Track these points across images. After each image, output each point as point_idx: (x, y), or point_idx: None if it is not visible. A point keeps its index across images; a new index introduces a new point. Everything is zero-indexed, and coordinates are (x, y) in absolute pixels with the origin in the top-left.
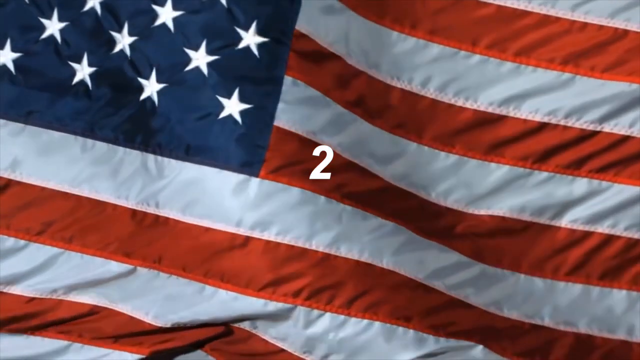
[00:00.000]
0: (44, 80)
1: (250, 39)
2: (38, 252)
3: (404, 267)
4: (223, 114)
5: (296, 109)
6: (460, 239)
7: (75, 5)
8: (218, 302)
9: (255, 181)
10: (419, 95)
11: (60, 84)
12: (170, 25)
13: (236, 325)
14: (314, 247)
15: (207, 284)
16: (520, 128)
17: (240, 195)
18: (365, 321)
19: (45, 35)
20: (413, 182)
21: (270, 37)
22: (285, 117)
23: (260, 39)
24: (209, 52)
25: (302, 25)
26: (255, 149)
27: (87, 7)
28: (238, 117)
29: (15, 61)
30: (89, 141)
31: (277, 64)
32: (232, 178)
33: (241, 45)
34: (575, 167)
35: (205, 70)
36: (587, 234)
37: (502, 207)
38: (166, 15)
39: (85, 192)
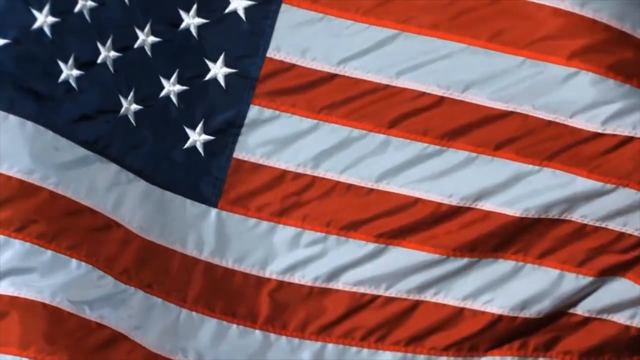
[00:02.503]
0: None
1: (217, 70)
2: None
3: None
4: (188, 145)
5: (260, 137)
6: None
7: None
8: None
9: (214, 212)
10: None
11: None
12: (148, 50)
13: None
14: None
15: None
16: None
17: (199, 223)
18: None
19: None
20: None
21: (238, 68)
22: (245, 148)
23: (228, 70)
24: (180, 81)
25: (275, 52)
26: (215, 181)
27: (76, 9)
28: (200, 149)
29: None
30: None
31: (243, 95)
32: (193, 207)
33: (209, 76)
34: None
35: (174, 99)
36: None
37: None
38: (143, 39)
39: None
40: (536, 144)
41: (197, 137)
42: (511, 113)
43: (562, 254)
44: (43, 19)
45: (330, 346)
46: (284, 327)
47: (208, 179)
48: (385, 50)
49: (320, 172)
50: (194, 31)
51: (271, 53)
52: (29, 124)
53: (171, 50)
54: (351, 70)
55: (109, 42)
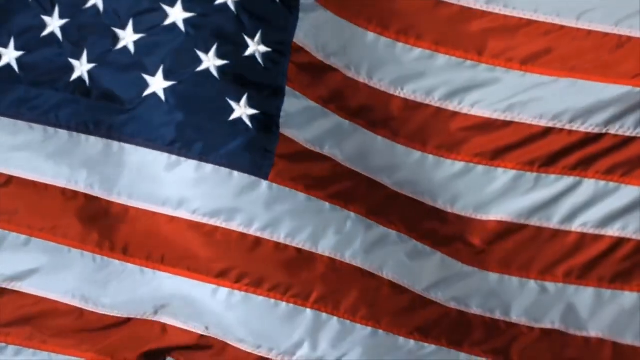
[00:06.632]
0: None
1: (256, 47)
2: None
3: (405, 278)
4: (233, 117)
5: (297, 119)
6: (466, 246)
7: (76, 3)
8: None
9: (265, 184)
10: (422, 105)
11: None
12: (181, 25)
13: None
14: (319, 252)
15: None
16: (525, 133)
17: (251, 195)
18: (369, 329)
19: (46, 32)
20: (418, 190)
21: (273, 47)
22: (288, 126)
23: (264, 49)
24: (219, 56)
25: (300, 38)
26: (265, 153)
27: (89, 4)
28: (248, 121)
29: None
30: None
31: (279, 75)
32: (242, 179)
33: (248, 52)
34: (582, 169)
35: (215, 73)
36: (597, 237)
37: (510, 212)
38: (176, 15)
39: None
40: (533, 151)
41: (242, 110)
42: (510, 122)
43: (562, 267)
44: (53, 24)
45: (380, 332)
46: (335, 308)
47: (258, 151)
48: (389, 60)
49: (349, 165)
50: (232, 6)
51: (297, 38)
52: (38, 127)
53: (208, 26)
54: (367, 79)
55: (129, 26)
